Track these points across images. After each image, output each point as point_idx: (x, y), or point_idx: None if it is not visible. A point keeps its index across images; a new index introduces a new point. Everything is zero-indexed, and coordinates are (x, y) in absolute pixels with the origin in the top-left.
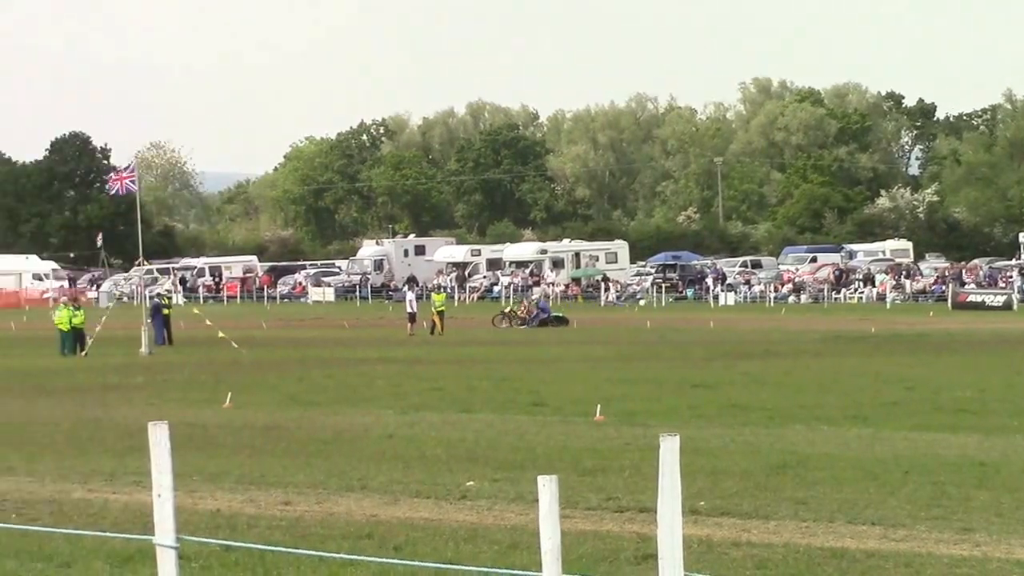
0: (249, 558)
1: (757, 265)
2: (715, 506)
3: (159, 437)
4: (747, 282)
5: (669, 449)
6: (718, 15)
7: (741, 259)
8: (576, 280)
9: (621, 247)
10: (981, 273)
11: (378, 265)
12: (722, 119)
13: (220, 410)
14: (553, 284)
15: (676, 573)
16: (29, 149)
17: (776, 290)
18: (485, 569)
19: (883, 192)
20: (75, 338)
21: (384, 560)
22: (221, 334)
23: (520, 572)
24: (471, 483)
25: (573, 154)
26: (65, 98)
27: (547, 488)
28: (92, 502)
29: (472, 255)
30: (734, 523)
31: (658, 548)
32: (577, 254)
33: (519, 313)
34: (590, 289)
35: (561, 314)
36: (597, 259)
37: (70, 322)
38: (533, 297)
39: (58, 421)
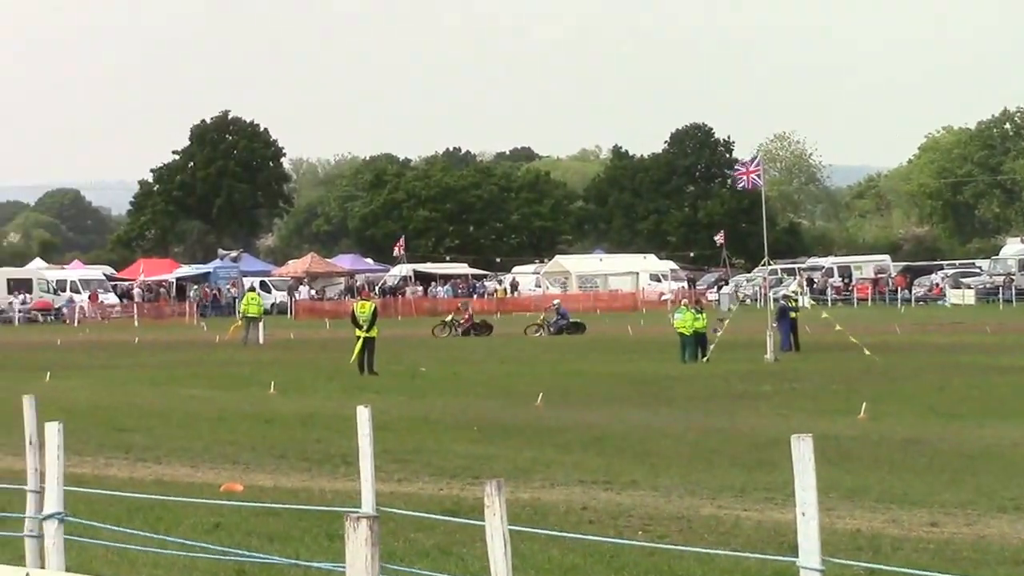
0: None
1: None
2: None
3: (803, 451)
4: None
5: None
6: None
7: None
8: None
9: None
10: None
11: (1023, 265)
12: None
13: (854, 421)
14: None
15: None
16: (647, 142)
17: None
18: None
19: None
20: (696, 343)
21: None
22: (852, 339)
23: None
24: None
25: None
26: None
27: None
28: (722, 519)
29: None
30: None
31: None
32: None
33: (462, 322)
34: None
35: (579, 320)
36: None
37: (692, 326)
38: (553, 303)
39: (681, 432)
